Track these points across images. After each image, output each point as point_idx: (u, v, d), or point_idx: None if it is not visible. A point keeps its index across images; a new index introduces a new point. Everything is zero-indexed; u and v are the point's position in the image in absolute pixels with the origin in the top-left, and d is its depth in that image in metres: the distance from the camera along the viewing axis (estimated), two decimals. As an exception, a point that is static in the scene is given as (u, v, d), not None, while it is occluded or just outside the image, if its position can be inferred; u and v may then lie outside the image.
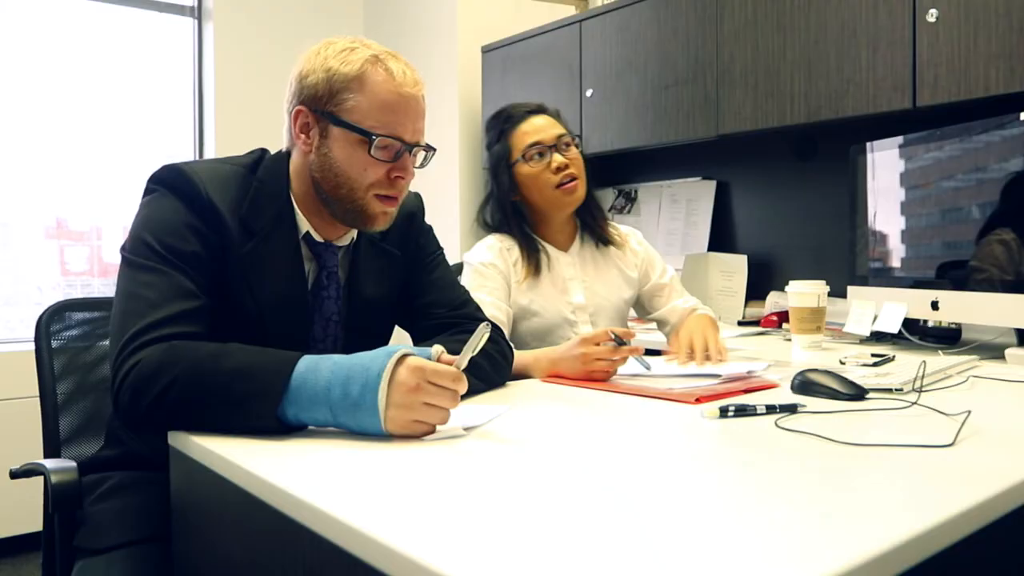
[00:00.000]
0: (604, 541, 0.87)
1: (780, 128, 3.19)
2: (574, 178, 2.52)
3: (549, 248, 2.61)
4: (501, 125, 2.61)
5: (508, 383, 1.94)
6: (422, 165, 1.78)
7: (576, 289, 2.60)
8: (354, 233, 1.83)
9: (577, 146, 2.59)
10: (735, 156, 3.85)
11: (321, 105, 1.66)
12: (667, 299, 2.72)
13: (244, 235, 1.65)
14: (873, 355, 2.25)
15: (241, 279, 1.65)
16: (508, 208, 2.58)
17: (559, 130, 2.56)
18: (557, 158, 2.51)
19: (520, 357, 2.13)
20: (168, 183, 1.64)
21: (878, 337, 2.71)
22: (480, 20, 4.67)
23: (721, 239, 3.90)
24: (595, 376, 2.02)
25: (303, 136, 1.70)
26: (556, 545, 0.87)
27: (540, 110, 2.61)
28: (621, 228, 2.78)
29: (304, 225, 1.75)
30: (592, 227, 2.68)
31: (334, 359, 1.38)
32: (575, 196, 2.54)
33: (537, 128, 2.55)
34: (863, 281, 2.76)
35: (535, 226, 2.63)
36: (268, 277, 1.67)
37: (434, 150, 1.76)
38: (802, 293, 2.56)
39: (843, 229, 2.99)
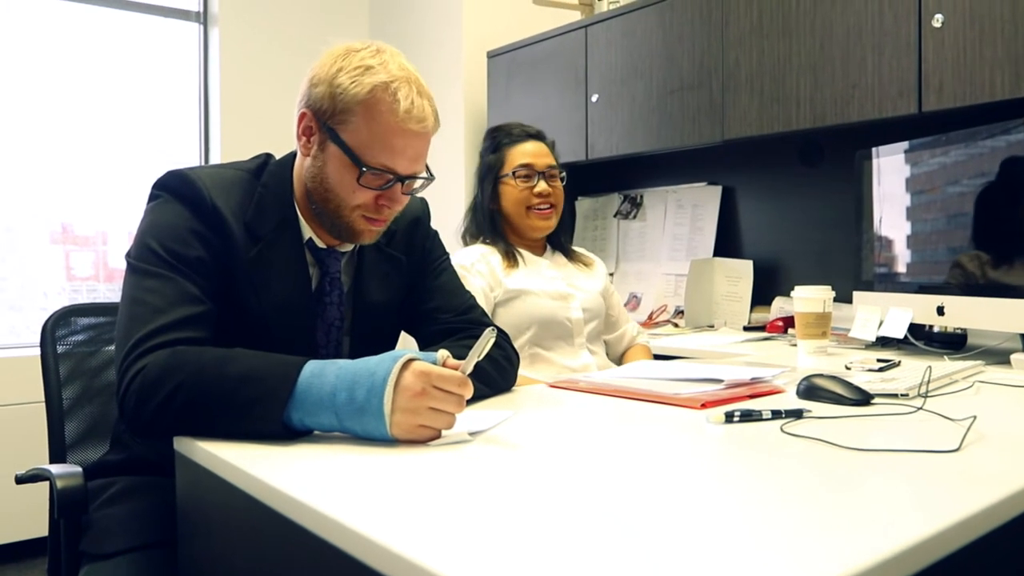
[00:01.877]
0: (609, 546, 0.87)
1: (786, 133, 3.19)
2: (551, 206, 2.73)
3: (525, 253, 2.77)
4: (501, 138, 2.79)
5: (514, 388, 1.94)
6: (415, 192, 1.77)
7: (558, 280, 2.74)
8: None
9: (562, 180, 2.78)
10: (741, 161, 3.85)
11: (324, 118, 1.64)
12: (616, 326, 2.95)
13: (249, 240, 1.66)
14: (879, 360, 2.24)
15: (247, 284, 1.65)
16: (487, 215, 2.76)
17: (550, 160, 2.77)
18: (542, 185, 2.71)
19: None
20: (172, 189, 1.64)
21: (884, 342, 2.71)
22: (486, 25, 4.67)
23: (727, 244, 3.89)
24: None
25: (304, 139, 1.70)
26: (561, 550, 0.86)
27: (539, 136, 2.81)
28: (585, 251, 2.99)
29: (307, 231, 1.75)
30: (562, 249, 2.88)
31: (340, 364, 1.38)
32: (546, 223, 2.75)
33: (532, 152, 2.74)
34: (869, 286, 2.76)
35: (509, 237, 2.79)
36: (273, 282, 1.68)
37: (432, 179, 1.74)
38: (808, 298, 2.55)
39: (849, 234, 2.98)
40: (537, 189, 2.69)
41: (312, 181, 1.69)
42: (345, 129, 1.63)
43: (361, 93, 1.60)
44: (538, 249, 2.82)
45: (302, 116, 1.69)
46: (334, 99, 1.62)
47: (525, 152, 2.73)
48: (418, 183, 1.74)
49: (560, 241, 2.87)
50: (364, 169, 1.62)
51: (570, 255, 2.87)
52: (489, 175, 2.76)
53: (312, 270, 1.77)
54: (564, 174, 2.78)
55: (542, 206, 2.71)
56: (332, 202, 1.68)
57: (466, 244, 2.80)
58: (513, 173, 2.71)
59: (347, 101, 1.61)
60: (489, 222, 2.76)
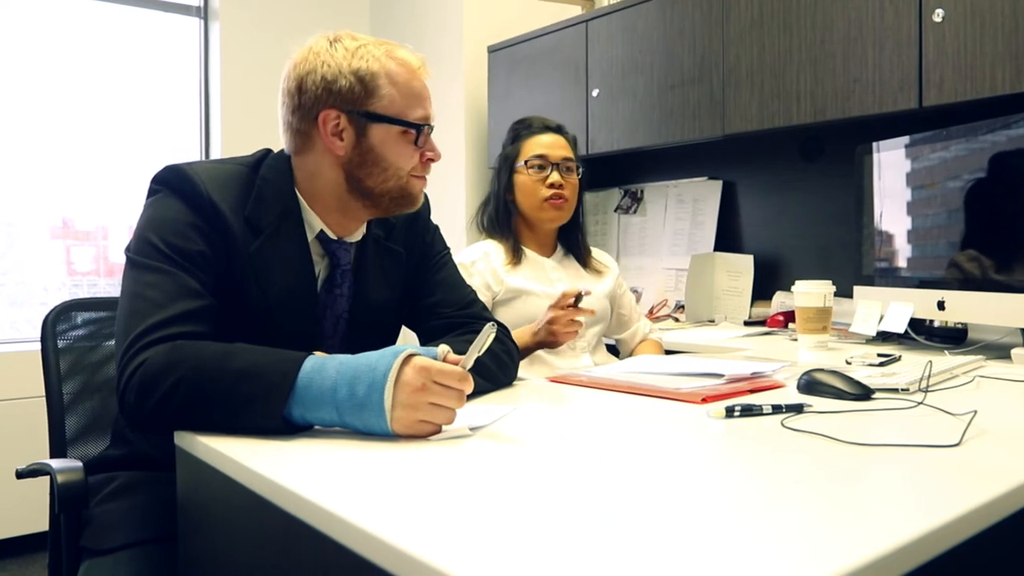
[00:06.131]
0: (611, 541, 0.87)
1: (786, 128, 3.18)
2: (562, 199, 2.72)
3: (532, 253, 2.79)
4: (521, 130, 2.82)
5: (514, 383, 1.94)
6: None
7: (563, 283, 2.75)
8: (363, 229, 1.83)
9: (580, 175, 2.79)
10: (741, 156, 3.85)
11: (357, 105, 1.67)
12: (628, 324, 2.98)
13: (250, 233, 1.65)
14: (879, 355, 2.24)
15: (251, 276, 1.64)
16: (501, 206, 2.80)
17: (566, 153, 2.77)
18: (555, 176, 2.72)
19: None
20: (170, 184, 1.64)
21: (884, 337, 2.71)
22: (486, 20, 4.67)
23: (727, 239, 3.89)
24: (563, 338, 2.44)
25: (333, 139, 1.69)
26: (563, 545, 0.86)
27: (559, 130, 2.82)
28: (601, 257, 2.98)
29: (317, 223, 1.74)
30: (574, 251, 2.89)
31: (340, 359, 1.38)
32: (558, 213, 2.75)
33: (548, 144, 2.76)
34: (869, 281, 2.76)
35: (520, 232, 2.82)
36: (277, 273, 1.67)
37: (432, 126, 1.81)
38: (808, 293, 2.56)
39: (849, 229, 2.98)
40: (550, 180, 2.70)
41: (362, 168, 1.71)
42: (380, 103, 1.68)
43: (380, 66, 1.69)
44: (547, 249, 2.83)
45: (325, 118, 1.68)
46: (363, 82, 1.67)
47: (541, 143, 2.75)
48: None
49: (576, 243, 2.88)
50: (416, 129, 1.70)
51: (584, 261, 2.87)
52: (505, 165, 2.80)
53: (322, 261, 1.78)
54: (581, 169, 2.79)
55: (554, 197, 2.71)
56: (392, 178, 1.72)
57: (479, 233, 2.85)
58: (527, 163, 2.73)
59: (373, 75, 1.68)
60: (503, 213, 2.79)
